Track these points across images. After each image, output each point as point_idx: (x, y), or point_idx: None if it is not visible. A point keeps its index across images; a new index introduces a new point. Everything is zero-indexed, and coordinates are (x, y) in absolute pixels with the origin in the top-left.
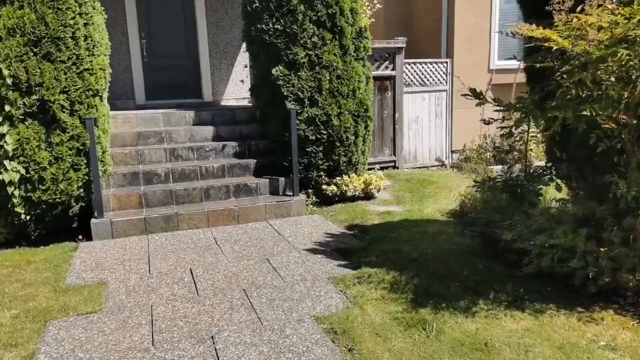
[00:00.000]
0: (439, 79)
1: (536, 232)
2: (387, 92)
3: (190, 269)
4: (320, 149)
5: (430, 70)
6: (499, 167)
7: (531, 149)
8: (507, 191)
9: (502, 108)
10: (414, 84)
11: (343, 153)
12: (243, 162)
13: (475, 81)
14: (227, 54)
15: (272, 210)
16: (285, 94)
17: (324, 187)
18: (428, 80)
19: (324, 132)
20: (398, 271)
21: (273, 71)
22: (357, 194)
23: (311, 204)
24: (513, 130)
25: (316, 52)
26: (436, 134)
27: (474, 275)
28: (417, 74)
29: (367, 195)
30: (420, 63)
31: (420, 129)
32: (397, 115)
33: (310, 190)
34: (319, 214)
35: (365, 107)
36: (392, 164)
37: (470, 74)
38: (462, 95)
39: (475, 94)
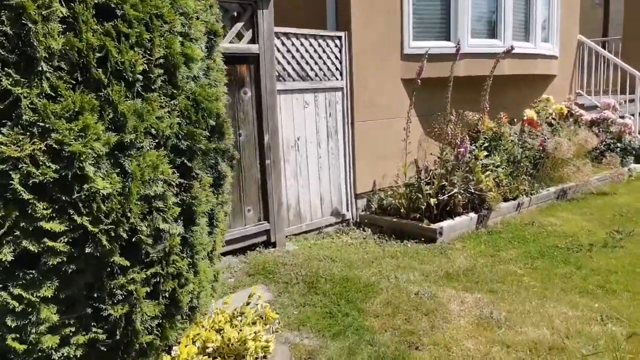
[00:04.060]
0: (328, 68)
1: None
2: (243, 88)
3: None
4: None
5: (315, 50)
6: (458, 219)
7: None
8: None
9: None
10: (289, 76)
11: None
12: None
13: (384, 71)
14: None
15: None
16: None
17: None
18: (313, 69)
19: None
20: None
21: None
22: None
23: None
24: None
25: None
26: (330, 167)
27: None
28: (294, 56)
29: None
30: (296, 35)
31: (305, 160)
32: (267, 137)
33: None
34: None
35: (217, 122)
36: (264, 238)
37: (374, 59)
38: None
39: None
